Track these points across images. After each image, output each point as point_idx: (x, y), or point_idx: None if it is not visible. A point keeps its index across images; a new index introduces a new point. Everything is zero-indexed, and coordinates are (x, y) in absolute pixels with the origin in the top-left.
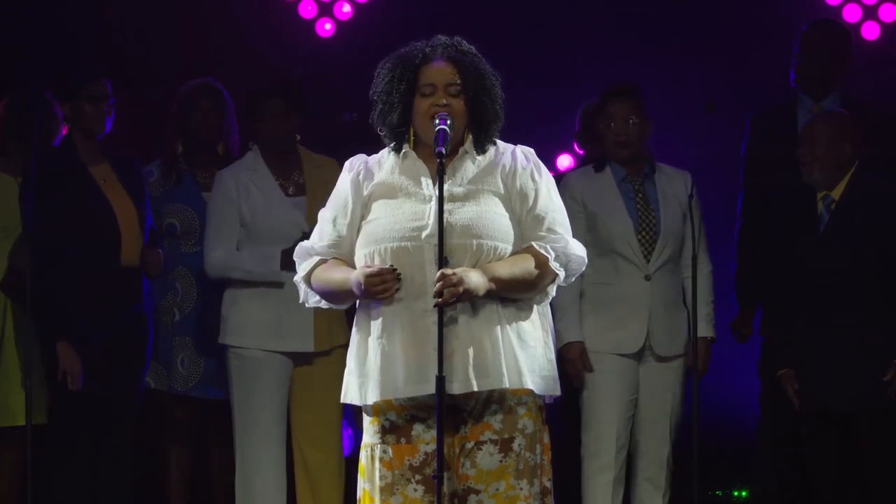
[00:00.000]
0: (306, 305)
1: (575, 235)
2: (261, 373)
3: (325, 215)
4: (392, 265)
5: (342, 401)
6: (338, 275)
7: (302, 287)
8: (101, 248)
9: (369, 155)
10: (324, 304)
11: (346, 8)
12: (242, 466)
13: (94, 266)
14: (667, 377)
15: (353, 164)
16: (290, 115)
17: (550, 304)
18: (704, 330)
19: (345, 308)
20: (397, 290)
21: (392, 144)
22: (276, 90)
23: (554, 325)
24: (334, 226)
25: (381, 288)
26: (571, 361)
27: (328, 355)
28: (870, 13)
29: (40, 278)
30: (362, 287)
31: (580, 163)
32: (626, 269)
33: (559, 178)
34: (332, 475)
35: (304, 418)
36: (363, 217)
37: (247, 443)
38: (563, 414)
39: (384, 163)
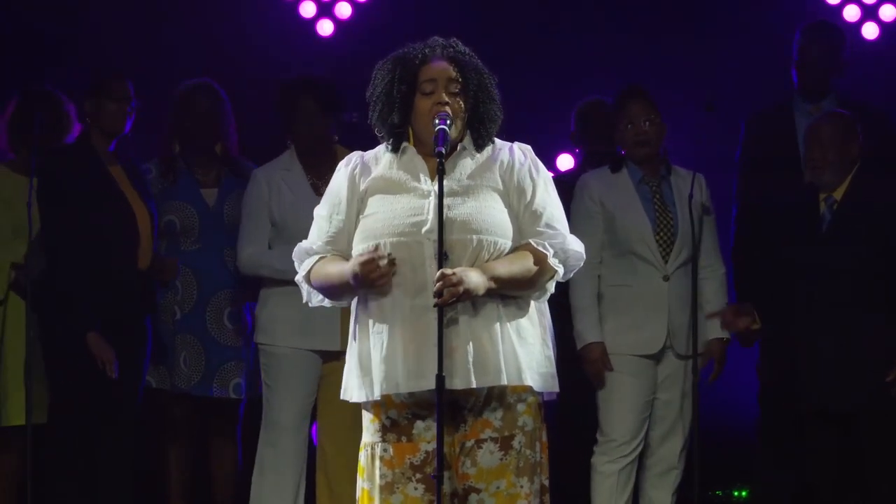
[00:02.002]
0: (310, 305)
1: (593, 235)
2: (288, 369)
3: (320, 213)
4: (390, 253)
5: (341, 398)
6: (334, 269)
7: (304, 287)
8: (124, 250)
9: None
10: (327, 303)
11: (346, 8)
12: (260, 461)
13: (114, 266)
14: (682, 376)
15: (350, 160)
16: (324, 114)
17: (569, 305)
18: (719, 331)
19: (347, 305)
20: (394, 274)
21: (390, 145)
22: (310, 90)
23: (574, 326)
24: (330, 223)
25: (378, 274)
26: (592, 362)
27: None
28: (870, 13)
29: (64, 276)
30: (359, 276)
31: (580, 162)
32: (644, 269)
33: (565, 177)
34: (351, 475)
35: (328, 414)
36: (360, 212)
37: (269, 439)
38: (563, 414)
39: (381, 158)
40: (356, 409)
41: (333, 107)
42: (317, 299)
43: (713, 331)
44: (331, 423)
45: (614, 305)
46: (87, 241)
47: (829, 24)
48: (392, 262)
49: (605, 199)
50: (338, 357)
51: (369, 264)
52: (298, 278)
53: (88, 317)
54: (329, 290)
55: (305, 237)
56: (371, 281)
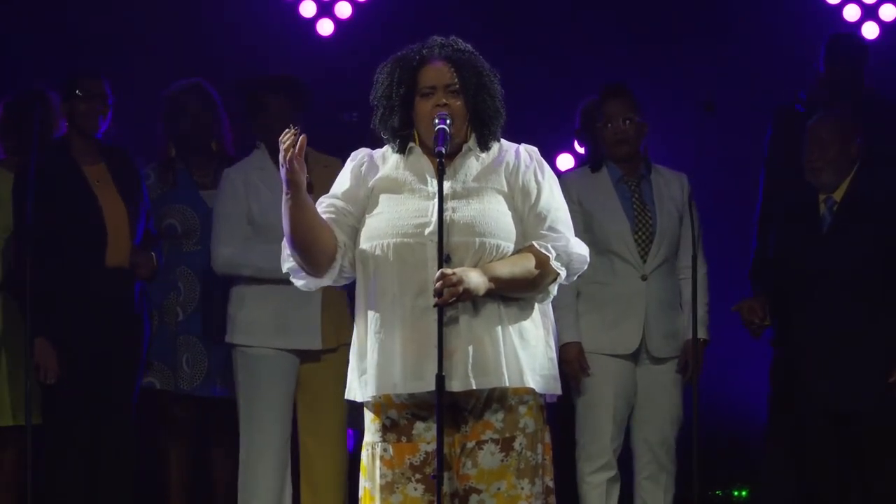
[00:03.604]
0: (283, 269)
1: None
2: (267, 370)
3: (320, 199)
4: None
5: (346, 397)
6: None
7: (285, 254)
8: (87, 249)
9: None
10: (303, 275)
11: (346, 8)
12: (246, 463)
13: (79, 266)
14: (663, 378)
15: (356, 156)
16: (294, 113)
17: None
18: (698, 331)
19: (326, 278)
20: (296, 134)
21: (396, 147)
22: (279, 88)
23: None
24: (329, 197)
25: (288, 144)
26: (569, 362)
27: (335, 353)
28: (870, 13)
29: (22, 277)
30: (283, 164)
31: (581, 161)
32: (622, 269)
33: (558, 177)
34: (335, 473)
35: (309, 416)
36: (367, 209)
37: (251, 440)
38: (562, 414)
39: (388, 157)
40: (338, 405)
41: (302, 106)
42: (301, 282)
43: (690, 331)
44: (311, 419)
45: (591, 304)
46: (46, 243)
47: (852, 38)
48: (296, 133)
49: (583, 197)
50: (317, 357)
51: (283, 143)
52: (283, 243)
53: (41, 322)
54: (288, 224)
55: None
56: (285, 152)
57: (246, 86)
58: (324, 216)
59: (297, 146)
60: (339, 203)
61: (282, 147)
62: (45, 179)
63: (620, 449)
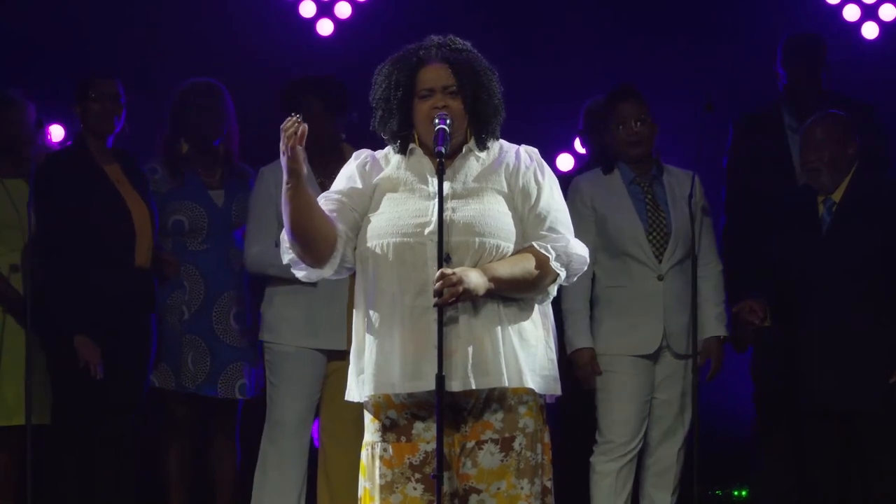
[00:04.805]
0: (283, 261)
1: (586, 238)
2: (292, 368)
3: (322, 195)
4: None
5: (345, 398)
6: None
7: (284, 243)
8: (118, 249)
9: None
10: (304, 266)
11: (346, 8)
12: (263, 459)
13: (112, 266)
14: (681, 375)
15: (359, 155)
16: (328, 113)
17: (559, 308)
18: (717, 329)
19: (326, 271)
20: (298, 122)
21: (397, 148)
22: (313, 88)
23: (564, 330)
24: (331, 192)
25: (290, 132)
26: (582, 367)
27: None
28: (870, 13)
29: (55, 276)
30: (285, 156)
31: (583, 162)
32: (638, 270)
33: (562, 178)
34: (352, 474)
35: (331, 415)
36: (369, 208)
37: (271, 436)
38: (562, 414)
39: (390, 158)
40: (358, 408)
41: (339, 106)
42: (302, 273)
43: (710, 329)
44: (333, 421)
45: (610, 307)
46: (79, 242)
47: (806, 38)
48: (298, 121)
49: (596, 201)
50: (343, 356)
51: (285, 131)
52: (283, 235)
53: (77, 320)
54: (287, 215)
55: None
56: (288, 139)
57: (283, 86)
58: (325, 209)
59: (299, 134)
60: (343, 198)
61: (283, 135)
62: (71, 182)
63: (639, 448)
